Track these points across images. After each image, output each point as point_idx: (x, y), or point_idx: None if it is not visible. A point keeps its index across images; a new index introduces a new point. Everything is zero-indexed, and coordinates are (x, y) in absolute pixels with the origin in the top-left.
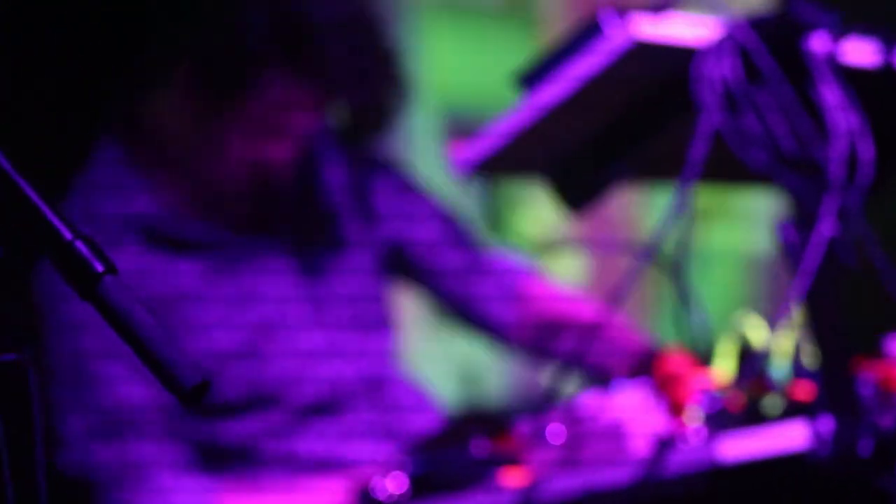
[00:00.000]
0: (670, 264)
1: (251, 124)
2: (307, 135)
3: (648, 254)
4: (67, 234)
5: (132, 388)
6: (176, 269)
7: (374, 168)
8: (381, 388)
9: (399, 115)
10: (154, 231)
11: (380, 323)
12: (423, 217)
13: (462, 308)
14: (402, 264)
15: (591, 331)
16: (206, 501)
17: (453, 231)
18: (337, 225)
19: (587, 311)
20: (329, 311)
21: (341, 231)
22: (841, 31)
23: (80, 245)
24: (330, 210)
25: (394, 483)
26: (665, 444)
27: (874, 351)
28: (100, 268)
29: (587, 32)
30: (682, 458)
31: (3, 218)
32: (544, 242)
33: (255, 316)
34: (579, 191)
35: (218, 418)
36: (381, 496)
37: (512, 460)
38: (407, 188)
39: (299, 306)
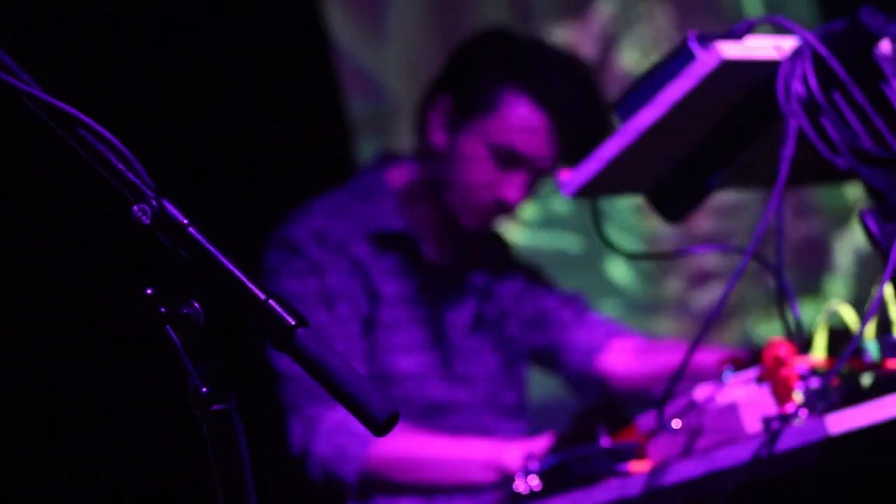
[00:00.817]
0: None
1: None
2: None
3: (750, 255)
4: (261, 295)
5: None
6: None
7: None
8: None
9: None
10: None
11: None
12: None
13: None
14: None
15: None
16: None
17: (577, 309)
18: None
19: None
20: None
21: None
22: None
23: (273, 303)
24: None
25: (530, 478)
26: (776, 423)
27: None
28: (292, 321)
29: (677, 56)
30: (793, 435)
31: (206, 285)
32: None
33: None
34: (678, 203)
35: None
36: (520, 489)
37: (637, 450)
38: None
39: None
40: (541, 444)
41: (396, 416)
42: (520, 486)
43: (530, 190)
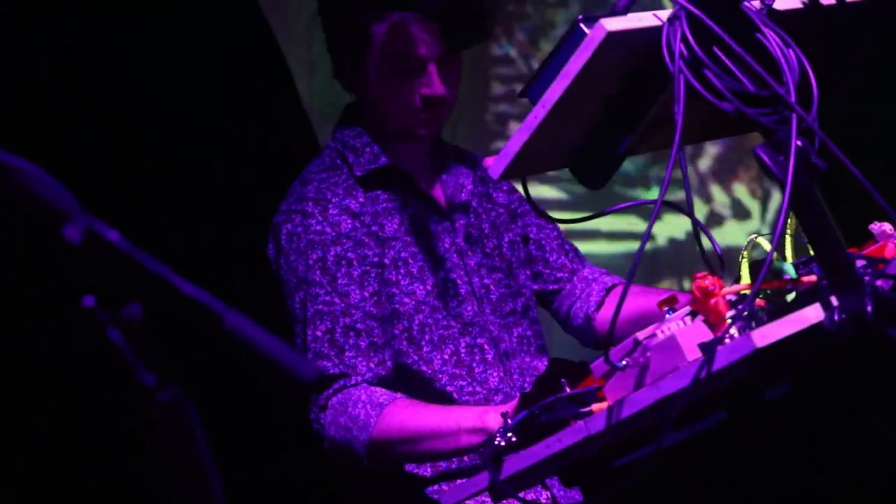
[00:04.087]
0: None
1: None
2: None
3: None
4: (189, 292)
5: None
6: None
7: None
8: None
9: None
10: None
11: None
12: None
13: (565, 306)
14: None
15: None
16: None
17: (563, 241)
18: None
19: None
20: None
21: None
22: None
23: (201, 297)
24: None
25: (505, 431)
26: (712, 345)
27: (861, 237)
28: (220, 310)
29: (570, 38)
30: (725, 353)
31: (139, 290)
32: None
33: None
34: (596, 171)
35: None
36: (500, 443)
37: (596, 393)
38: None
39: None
40: (513, 404)
41: (319, 376)
42: (499, 441)
43: (447, 78)
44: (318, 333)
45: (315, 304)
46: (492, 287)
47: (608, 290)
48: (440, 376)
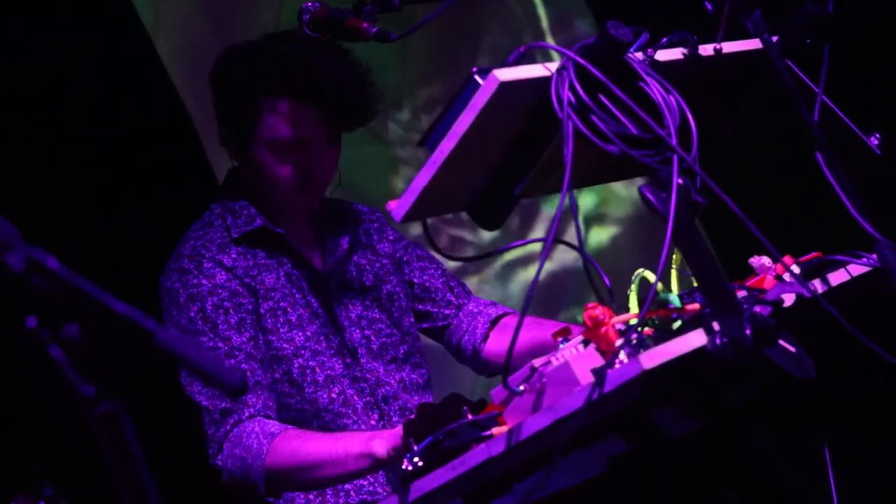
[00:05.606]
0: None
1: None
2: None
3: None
4: (125, 312)
5: None
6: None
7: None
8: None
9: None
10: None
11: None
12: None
13: (454, 340)
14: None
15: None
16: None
17: (448, 279)
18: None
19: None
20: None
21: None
22: (651, 41)
23: (135, 317)
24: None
25: (411, 456)
26: (603, 370)
27: (742, 271)
28: (152, 328)
29: (465, 88)
30: (615, 376)
31: (78, 312)
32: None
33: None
34: (492, 213)
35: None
36: (407, 468)
37: (496, 418)
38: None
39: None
40: (397, 431)
41: (245, 383)
42: (406, 465)
43: (327, 157)
44: None
45: None
46: (372, 337)
47: (493, 323)
48: (325, 415)
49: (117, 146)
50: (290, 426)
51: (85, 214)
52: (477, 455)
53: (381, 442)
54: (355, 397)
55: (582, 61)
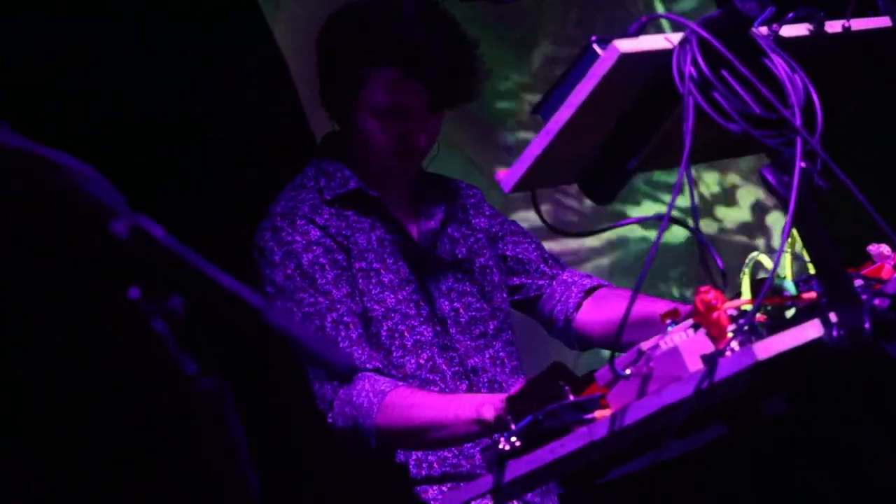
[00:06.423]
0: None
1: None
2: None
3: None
4: (233, 288)
5: None
6: None
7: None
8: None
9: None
10: None
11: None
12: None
13: (546, 310)
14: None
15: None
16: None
17: (542, 252)
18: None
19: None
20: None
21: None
22: (775, 15)
23: (243, 294)
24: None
25: (509, 435)
26: (714, 357)
27: (860, 258)
28: (260, 306)
29: (584, 57)
30: (726, 365)
31: (183, 285)
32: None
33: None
34: (605, 187)
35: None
36: (504, 447)
37: (599, 400)
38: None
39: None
40: (504, 397)
41: (354, 367)
42: (504, 445)
43: (428, 129)
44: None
45: (302, 308)
46: (461, 310)
47: (586, 293)
48: (411, 381)
49: (222, 111)
50: (400, 383)
51: (181, 181)
52: (577, 439)
53: (490, 408)
54: (443, 366)
55: (706, 35)
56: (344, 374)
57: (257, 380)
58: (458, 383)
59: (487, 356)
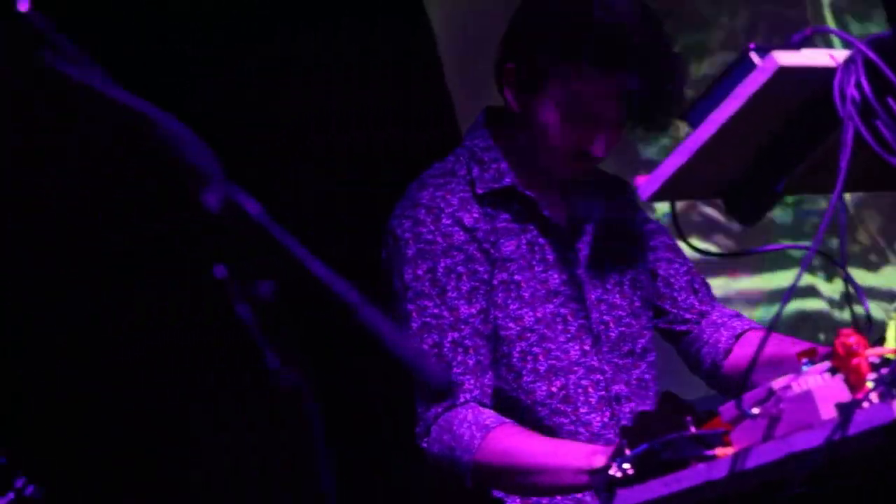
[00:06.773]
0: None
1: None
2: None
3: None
4: (328, 278)
5: None
6: None
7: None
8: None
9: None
10: None
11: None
12: (673, 256)
13: (693, 350)
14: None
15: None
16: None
17: (693, 278)
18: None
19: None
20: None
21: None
22: None
23: (340, 285)
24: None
25: (622, 461)
26: (851, 407)
27: None
28: (356, 301)
29: (739, 65)
30: (863, 418)
31: (274, 268)
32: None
33: None
34: (751, 207)
35: None
36: (615, 474)
37: (722, 437)
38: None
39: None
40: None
41: (450, 385)
42: (615, 471)
43: (611, 142)
44: (425, 347)
45: (423, 316)
46: (611, 324)
47: (737, 337)
48: (540, 409)
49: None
50: (506, 420)
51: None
52: (695, 475)
53: (603, 458)
54: (590, 389)
55: (874, 56)
56: (439, 390)
57: (343, 377)
58: (599, 412)
59: (634, 377)
